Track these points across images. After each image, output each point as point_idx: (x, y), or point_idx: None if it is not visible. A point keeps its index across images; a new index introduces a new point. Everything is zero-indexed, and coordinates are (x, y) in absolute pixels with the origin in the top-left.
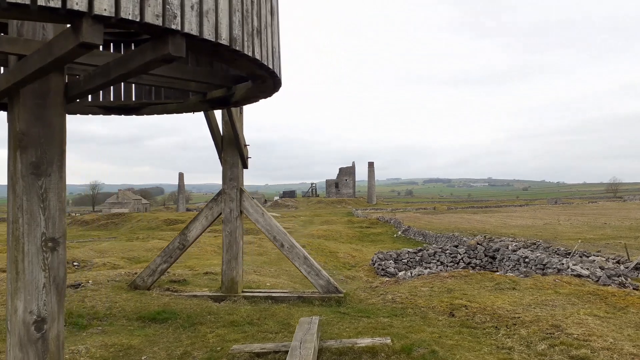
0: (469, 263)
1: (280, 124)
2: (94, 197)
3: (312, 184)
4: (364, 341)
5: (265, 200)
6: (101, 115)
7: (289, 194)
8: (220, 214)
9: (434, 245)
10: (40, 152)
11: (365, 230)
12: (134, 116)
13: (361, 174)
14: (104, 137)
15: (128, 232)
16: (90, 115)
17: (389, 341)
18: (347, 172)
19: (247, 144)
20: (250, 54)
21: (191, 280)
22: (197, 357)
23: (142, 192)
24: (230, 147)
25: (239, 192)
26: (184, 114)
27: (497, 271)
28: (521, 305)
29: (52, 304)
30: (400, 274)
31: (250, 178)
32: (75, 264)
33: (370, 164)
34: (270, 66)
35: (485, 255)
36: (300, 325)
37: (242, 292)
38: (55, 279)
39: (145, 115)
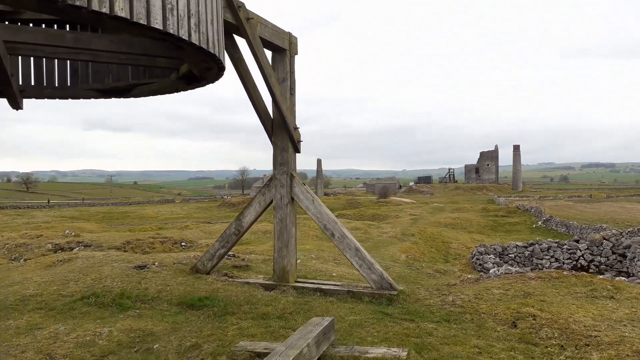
0: (591, 261)
1: (418, 108)
2: (243, 181)
3: (449, 169)
4: (376, 351)
5: (400, 185)
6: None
7: (425, 179)
8: (272, 200)
9: (548, 240)
10: None
11: (500, 219)
12: (131, 99)
13: (505, 159)
14: (252, 126)
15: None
16: (86, 99)
17: (404, 354)
18: (489, 157)
19: (297, 126)
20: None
21: (255, 266)
22: (204, 351)
23: None
24: (280, 130)
25: (290, 177)
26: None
27: (630, 273)
28: (607, 321)
29: None
30: (491, 270)
31: (389, 163)
32: (183, 244)
33: (516, 147)
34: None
35: (613, 253)
36: (305, 326)
37: (296, 281)
38: None
39: (136, 97)
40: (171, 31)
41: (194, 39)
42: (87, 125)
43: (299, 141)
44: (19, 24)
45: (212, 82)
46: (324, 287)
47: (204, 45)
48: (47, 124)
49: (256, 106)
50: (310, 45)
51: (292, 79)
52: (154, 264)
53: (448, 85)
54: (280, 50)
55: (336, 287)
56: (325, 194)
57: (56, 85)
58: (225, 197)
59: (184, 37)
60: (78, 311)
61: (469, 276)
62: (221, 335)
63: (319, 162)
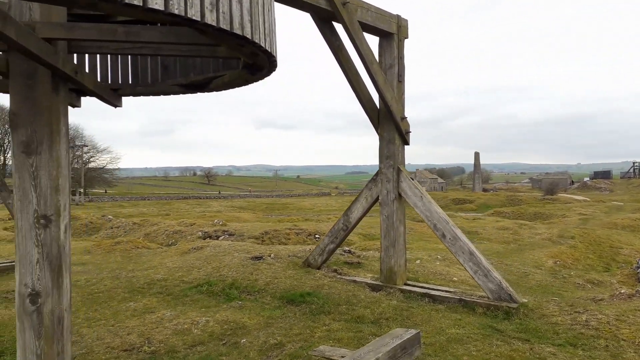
0: None
1: (596, 95)
2: None
3: (634, 163)
4: None
5: (572, 181)
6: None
7: (603, 174)
8: (379, 196)
9: None
10: (30, 132)
11: None
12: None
13: None
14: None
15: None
16: (172, 95)
17: None
18: None
19: (404, 116)
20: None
21: (367, 263)
22: (285, 351)
23: (440, 171)
24: (387, 120)
25: (396, 171)
26: None
27: None
28: None
29: (46, 279)
30: None
31: (561, 157)
32: (316, 236)
33: None
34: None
35: None
36: (382, 337)
37: (405, 284)
38: (48, 255)
39: (214, 91)
40: (176, 11)
41: (210, 20)
42: (258, 124)
43: (407, 132)
44: None
45: (270, 69)
46: (433, 292)
47: (224, 26)
48: (223, 124)
49: (359, 96)
50: (464, 30)
51: (400, 65)
52: (270, 256)
53: (634, 67)
54: (386, 34)
55: (447, 294)
56: (484, 190)
57: (149, 82)
58: None
59: (194, 18)
60: (190, 298)
61: (622, 290)
62: (308, 336)
63: (476, 155)
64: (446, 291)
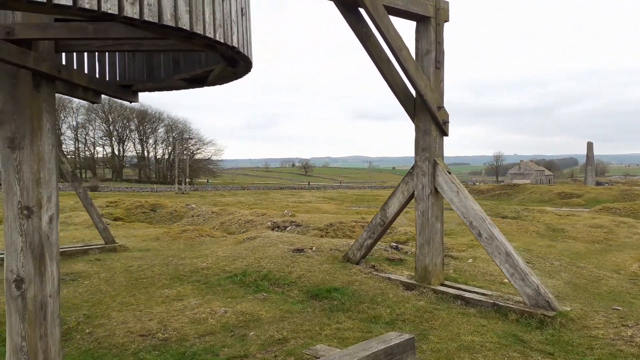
0: None
1: None
2: (498, 167)
3: None
4: None
5: None
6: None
7: None
8: (414, 190)
9: None
10: (14, 128)
11: None
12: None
13: None
14: (512, 109)
15: (517, 203)
16: (179, 89)
17: None
18: None
19: (441, 105)
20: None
21: (411, 260)
22: (285, 348)
23: (548, 163)
24: (423, 110)
25: (432, 165)
26: None
27: None
28: None
29: (29, 267)
30: None
31: None
32: None
33: None
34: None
35: None
36: (369, 341)
37: (441, 284)
38: (31, 244)
39: (211, 85)
40: (86, 6)
41: (131, 12)
42: (355, 115)
43: (445, 122)
44: None
45: (244, 60)
46: (467, 295)
47: (151, 19)
48: (321, 116)
49: (391, 85)
50: (572, 7)
51: (438, 51)
52: (311, 249)
53: None
54: (422, 18)
55: (481, 297)
56: (598, 183)
57: (162, 77)
58: (476, 183)
59: (110, 12)
60: (222, 288)
61: None
62: (315, 333)
63: (589, 145)
64: (482, 294)
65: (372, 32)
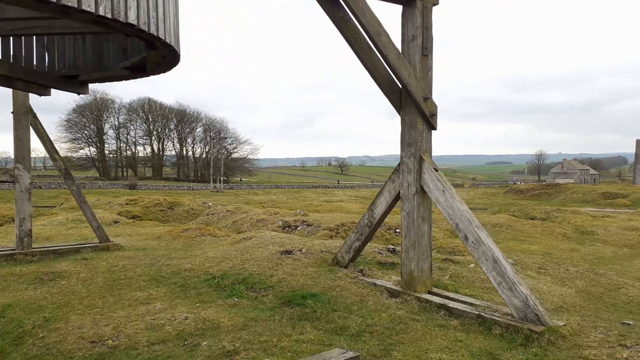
0: None
1: None
2: (540, 166)
3: None
4: None
5: None
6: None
7: None
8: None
9: None
10: None
11: None
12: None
13: None
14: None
15: (558, 203)
16: (123, 80)
17: None
18: None
19: (428, 96)
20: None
21: None
22: (234, 359)
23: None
24: (409, 102)
25: (418, 161)
26: None
27: None
28: None
29: None
30: None
31: None
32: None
33: None
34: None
35: None
36: (309, 358)
37: (429, 291)
38: None
39: (153, 75)
40: None
41: None
42: (391, 114)
43: (433, 115)
44: None
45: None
46: (452, 304)
47: None
48: (359, 114)
49: (373, 74)
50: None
51: (425, 36)
52: (301, 250)
53: None
54: (408, 1)
55: (466, 308)
56: None
57: (110, 66)
58: (517, 182)
59: None
60: (196, 291)
61: None
62: (271, 345)
63: (638, 143)
64: (469, 304)
65: (349, 16)
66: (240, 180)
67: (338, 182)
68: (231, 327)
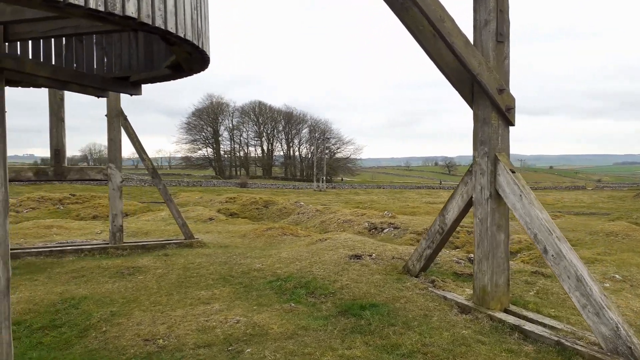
0: None
1: None
2: None
3: None
4: None
5: None
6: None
7: None
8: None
9: None
10: None
11: None
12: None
13: None
14: None
15: None
16: (167, 80)
17: None
18: None
19: (503, 87)
20: None
21: None
22: None
23: None
24: (481, 94)
25: (493, 161)
26: None
27: None
28: None
29: None
30: None
31: None
32: None
33: None
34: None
35: None
36: None
37: (505, 309)
38: None
39: (193, 74)
40: None
41: None
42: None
43: (509, 109)
44: None
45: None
46: (528, 326)
47: None
48: (469, 111)
49: (440, 65)
50: None
51: (500, 21)
52: (371, 255)
53: None
54: None
55: (545, 332)
56: None
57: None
58: None
59: None
60: (257, 293)
61: None
62: (313, 358)
63: None
64: (549, 327)
65: (409, 3)
66: (342, 179)
67: (440, 183)
68: (279, 334)
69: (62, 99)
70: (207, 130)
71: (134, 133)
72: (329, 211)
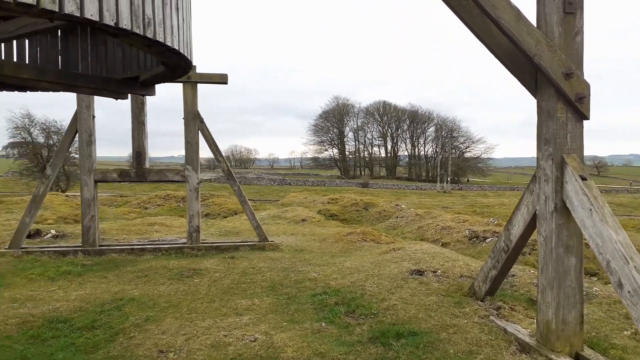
0: None
1: None
2: None
3: None
4: None
5: None
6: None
7: None
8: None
9: None
10: None
11: None
12: None
13: None
14: None
15: None
16: (163, 82)
17: None
18: None
19: (571, 70)
20: None
21: None
22: None
23: None
24: (545, 81)
25: (558, 165)
26: None
27: None
28: None
29: None
30: None
31: None
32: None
33: None
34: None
35: None
36: None
37: (576, 353)
38: None
39: (179, 70)
40: None
41: None
42: None
43: (581, 98)
44: None
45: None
46: None
47: None
48: (624, 106)
49: (491, 47)
50: None
51: None
52: (435, 272)
53: None
54: None
55: None
56: None
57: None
58: None
59: None
60: (296, 307)
61: None
62: None
63: None
64: None
65: None
66: (467, 180)
67: (630, 184)
68: (296, 358)
69: (142, 104)
70: (332, 131)
71: (210, 135)
72: (429, 216)
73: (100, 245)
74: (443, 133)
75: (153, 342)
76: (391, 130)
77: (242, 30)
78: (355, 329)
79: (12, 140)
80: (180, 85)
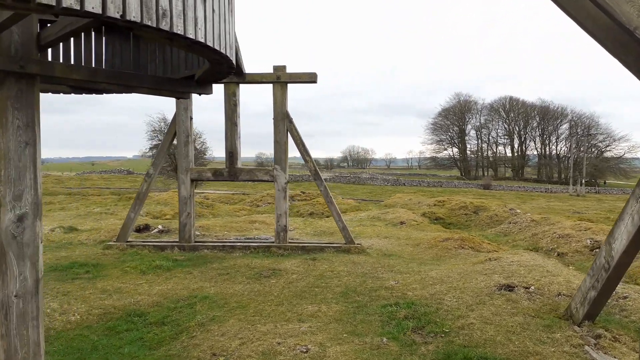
0: None
1: None
2: None
3: None
4: None
5: None
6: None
7: None
8: None
9: None
10: None
11: None
12: None
13: None
14: None
15: None
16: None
17: None
18: None
19: None
20: None
21: None
22: None
23: None
24: None
25: None
26: None
27: None
28: None
29: None
30: None
31: None
32: None
33: None
34: None
35: None
36: None
37: None
38: None
39: (219, 67)
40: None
41: None
42: None
43: None
44: None
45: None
46: None
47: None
48: None
49: (582, 23)
50: None
51: None
52: (528, 288)
53: None
54: None
55: None
56: None
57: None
58: None
59: None
60: (363, 317)
61: None
62: None
63: None
64: None
65: None
66: (604, 182)
67: None
68: None
69: (235, 105)
70: (452, 129)
71: (299, 135)
72: (547, 222)
73: (195, 242)
74: (578, 130)
75: (210, 343)
76: (518, 128)
77: (356, 33)
78: (420, 349)
79: (151, 142)
80: (270, 85)
